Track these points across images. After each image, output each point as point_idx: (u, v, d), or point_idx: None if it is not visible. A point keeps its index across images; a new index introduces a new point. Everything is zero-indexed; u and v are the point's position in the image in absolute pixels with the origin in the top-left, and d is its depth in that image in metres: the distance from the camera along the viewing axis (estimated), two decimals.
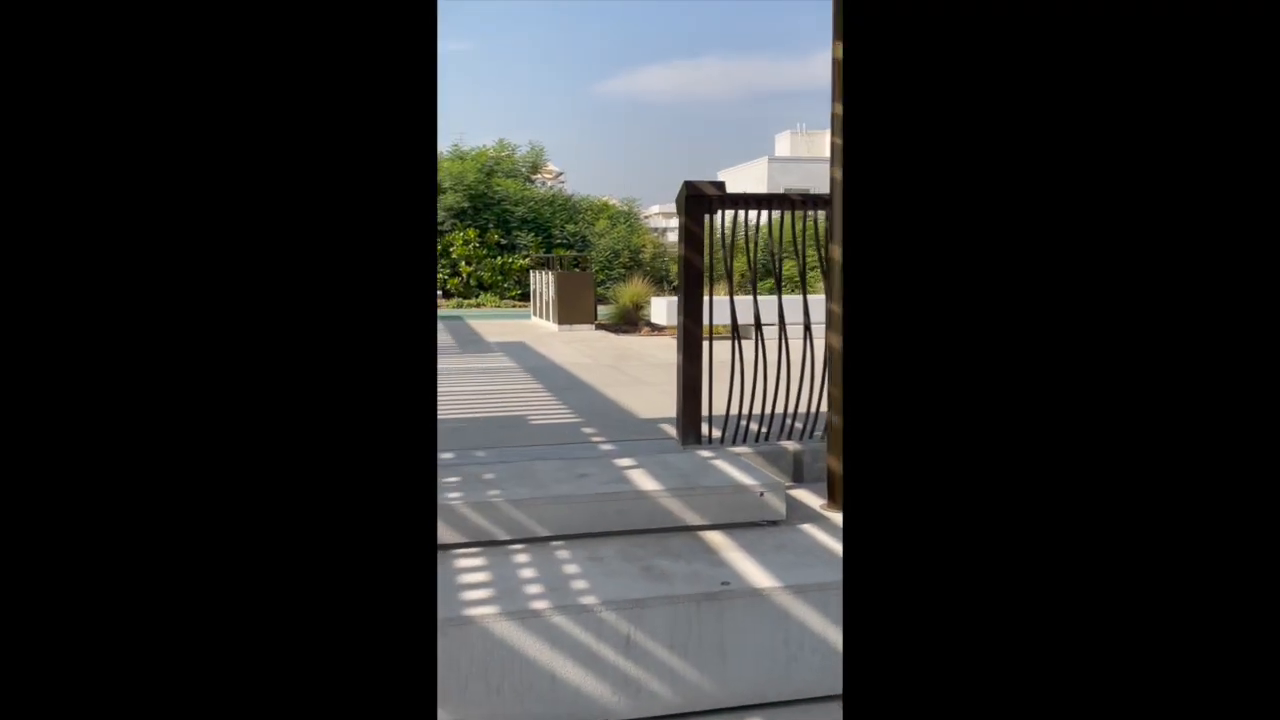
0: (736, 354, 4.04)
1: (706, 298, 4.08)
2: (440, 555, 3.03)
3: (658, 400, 5.55)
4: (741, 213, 4.12)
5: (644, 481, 3.43)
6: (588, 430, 4.57)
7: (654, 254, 19.81)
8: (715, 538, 3.23)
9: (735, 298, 4.08)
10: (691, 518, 3.32)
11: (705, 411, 4.10)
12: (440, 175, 20.16)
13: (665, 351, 8.88)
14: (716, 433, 4.13)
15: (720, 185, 4.01)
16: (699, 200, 4.02)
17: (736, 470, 3.57)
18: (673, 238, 24.78)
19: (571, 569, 2.91)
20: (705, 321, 4.07)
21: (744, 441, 4.12)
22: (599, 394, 5.84)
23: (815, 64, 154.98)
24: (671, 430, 4.51)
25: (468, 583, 2.78)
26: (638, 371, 7.13)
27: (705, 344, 4.09)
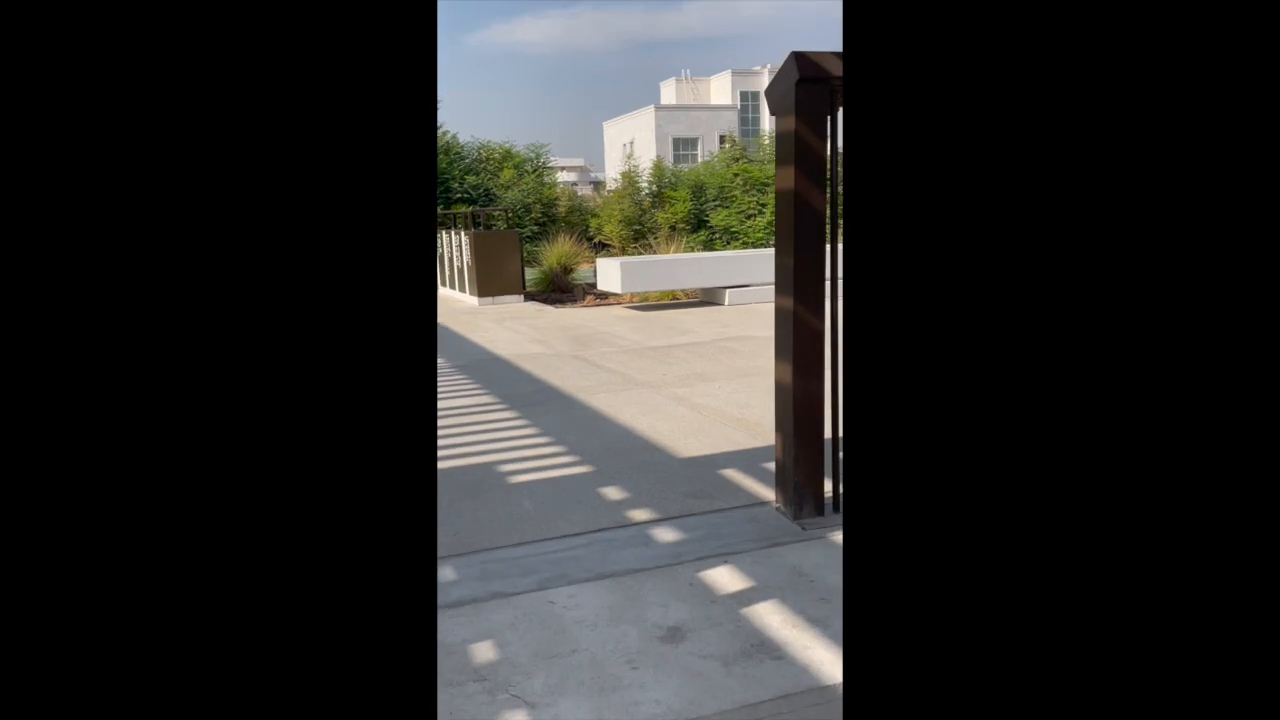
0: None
1: (828, 259, 2.37)
2: None
3: (679, 415, 3.81)
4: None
5: (793, 635, 1.73)
6: (611, 494, 2.79)
7: (570, 207, 17.72)
8: None
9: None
10: None
11: (818, 446, 2.42)
12: None
13: (628, 328, 7.12)
14: (817, 483, 2.44)
15: None
16: (818, 88, 2.25)
17: None
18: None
19: None
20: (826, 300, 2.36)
21: None
22: (588, 409, 4.03)
23: (690, 13, 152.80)
24: (751, 483, 2.80)
25: None
26: (615, 363, 5.34)
27: (828, 342, 2.38)
